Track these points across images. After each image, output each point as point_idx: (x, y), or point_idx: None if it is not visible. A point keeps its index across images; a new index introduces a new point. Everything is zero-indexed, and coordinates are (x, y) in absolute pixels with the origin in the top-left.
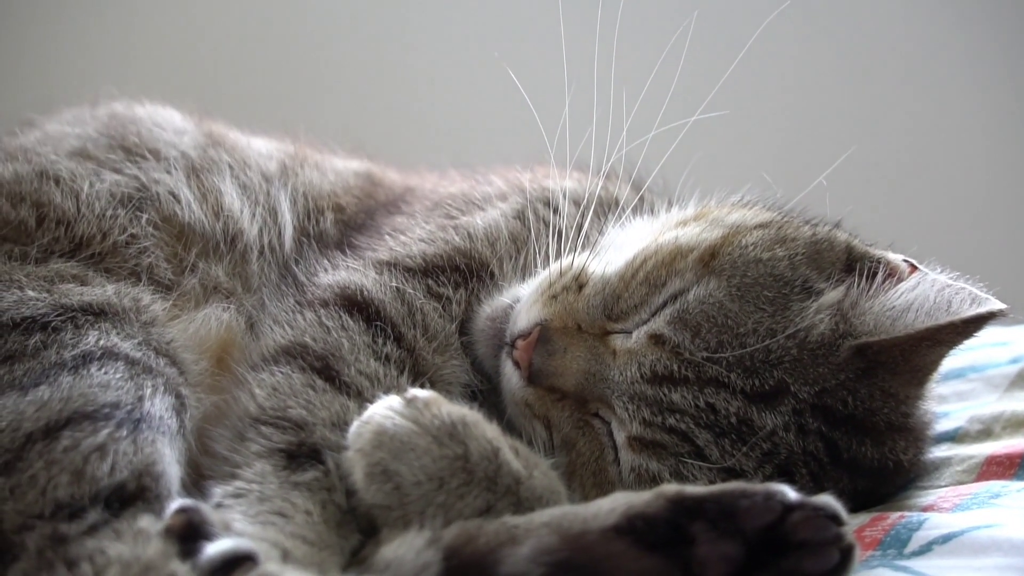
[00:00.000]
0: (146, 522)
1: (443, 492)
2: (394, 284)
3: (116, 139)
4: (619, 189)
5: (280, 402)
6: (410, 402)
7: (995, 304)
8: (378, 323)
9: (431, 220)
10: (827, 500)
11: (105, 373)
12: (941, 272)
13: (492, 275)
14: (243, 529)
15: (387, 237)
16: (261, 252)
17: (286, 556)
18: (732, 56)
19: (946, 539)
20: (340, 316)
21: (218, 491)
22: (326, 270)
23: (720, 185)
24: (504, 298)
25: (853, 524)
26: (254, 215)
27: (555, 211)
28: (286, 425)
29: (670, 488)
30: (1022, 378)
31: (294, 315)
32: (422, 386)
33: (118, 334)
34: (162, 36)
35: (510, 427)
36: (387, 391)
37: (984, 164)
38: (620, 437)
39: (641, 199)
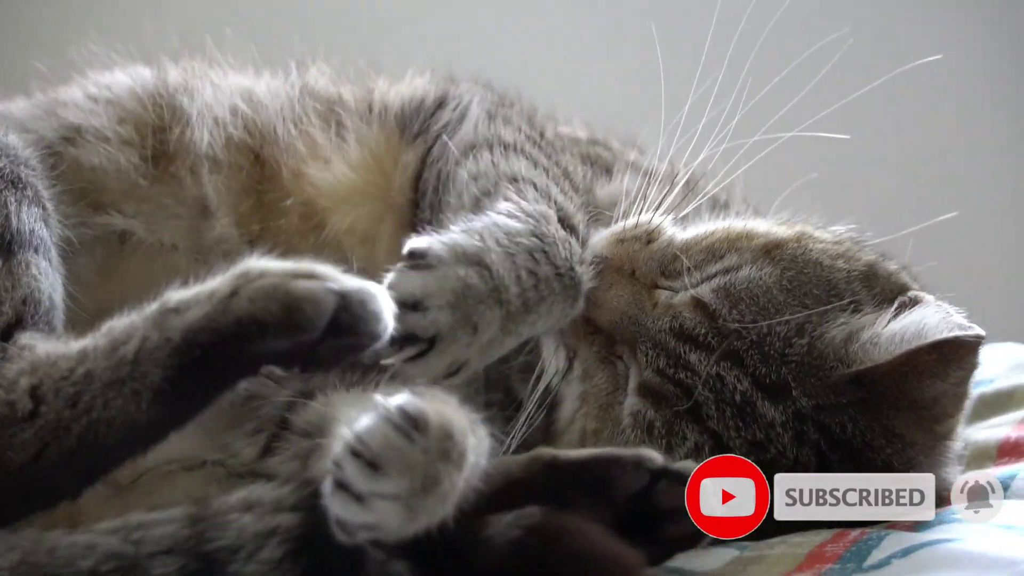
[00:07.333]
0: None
1: None
2: None
3: None
4: (723, 193)
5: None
6: None
7: (968, 330)
8: None
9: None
10: (690, 465)
11: None
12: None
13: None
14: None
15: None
16: None
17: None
18: (868, 82)
19: (906, 552)
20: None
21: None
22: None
23: (817, 210)
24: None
25: (815, 540)
26: None
27: (671, 186)
28: None
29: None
30: (983, 404)
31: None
32: None
33: None
34: None
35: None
36: None
37: None
38: (633, 382)
39: (745, 205)
